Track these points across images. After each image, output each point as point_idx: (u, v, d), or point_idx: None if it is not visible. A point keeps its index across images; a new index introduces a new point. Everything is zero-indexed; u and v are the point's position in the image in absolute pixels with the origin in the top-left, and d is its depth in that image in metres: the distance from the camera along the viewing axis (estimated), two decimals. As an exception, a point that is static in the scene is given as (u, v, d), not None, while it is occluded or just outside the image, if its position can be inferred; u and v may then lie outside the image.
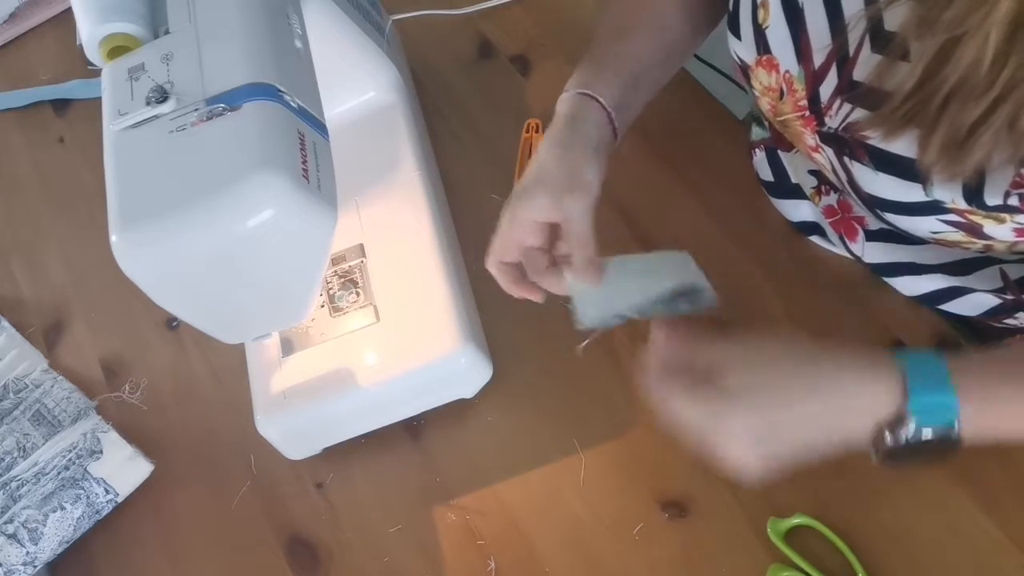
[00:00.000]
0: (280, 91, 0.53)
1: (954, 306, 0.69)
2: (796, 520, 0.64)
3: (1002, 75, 0.44)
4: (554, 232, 0.61)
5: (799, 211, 0.76)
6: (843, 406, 0.50)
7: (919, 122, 0.49)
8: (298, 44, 0.60)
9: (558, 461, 0.71)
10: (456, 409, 0.74)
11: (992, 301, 0.67)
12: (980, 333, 0.72)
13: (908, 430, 0.49)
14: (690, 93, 0.86)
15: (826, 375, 0.51)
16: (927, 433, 0.48)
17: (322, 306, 0.73)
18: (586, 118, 0.62)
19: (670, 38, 0.68)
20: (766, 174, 0.78)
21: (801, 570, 0.62)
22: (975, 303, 0.68)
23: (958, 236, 0.56)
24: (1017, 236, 0.54)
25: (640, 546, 0.66)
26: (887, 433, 0.49)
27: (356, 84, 0.83)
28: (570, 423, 0.71)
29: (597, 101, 0.63)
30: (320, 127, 0.57)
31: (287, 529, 0.73)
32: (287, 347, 0.72)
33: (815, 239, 0.75)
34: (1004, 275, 0.66)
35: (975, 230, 0.55)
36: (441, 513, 0.71)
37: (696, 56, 0.92)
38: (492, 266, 0.62)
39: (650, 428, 0.70)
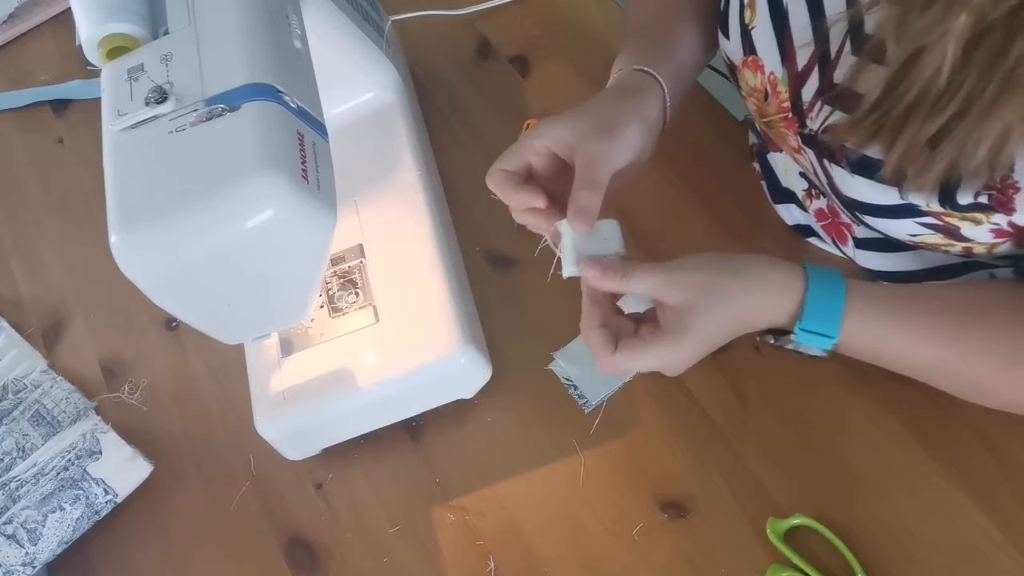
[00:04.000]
0: (279, 92, 0.53)
1: None
2: (795, 520, 0.64)
3: (961, 91, 0.44)
4: (562, 176, 0.58)
5: (792, 214, 0.76)
6: (753, 319, 0.55)
7: (884, 132, 0.50)
8: (297, 45, 0.60)
9: (558, 461, 0.71)
10: (455, 410, 0.74)
11: None
12: None
13: (789, 341, 0.55)
14: (690, 94, 0.86)
15: (746, 297, 0.55)
16: (804, 348, 0.55)
17: (321, 306, 0.73)
18: (646, 95, 0.61)
19: (706, 37, 0.68)
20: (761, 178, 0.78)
21: (800, 570, 0.62)
22: None
23: (936, 239, 0.56)
24: (995, 237, 0.53)
25: (639, 546, 0.66)
26: (771, 337, 0.56)
27: (355, 85, 0.83)
28: (570, 423, 0.71)
29: (658, 82, 0.61)
30: (319, 128, 0.57)
31: (286, 529, 0.73)
32: (287, 347, 0.72)
33: (813, 241, 0.75)
34: (993, 279, 0.66)
35: (952, 232, 0.55)
36: (440, 513, 0.71)
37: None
38: (491, 174, 0.58)
39: (650, 428, 0.70)
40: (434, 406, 0.74)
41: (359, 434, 0.74)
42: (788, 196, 0.75)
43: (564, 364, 0.72)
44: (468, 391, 0.74)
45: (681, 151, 0.81)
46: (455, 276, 0.74)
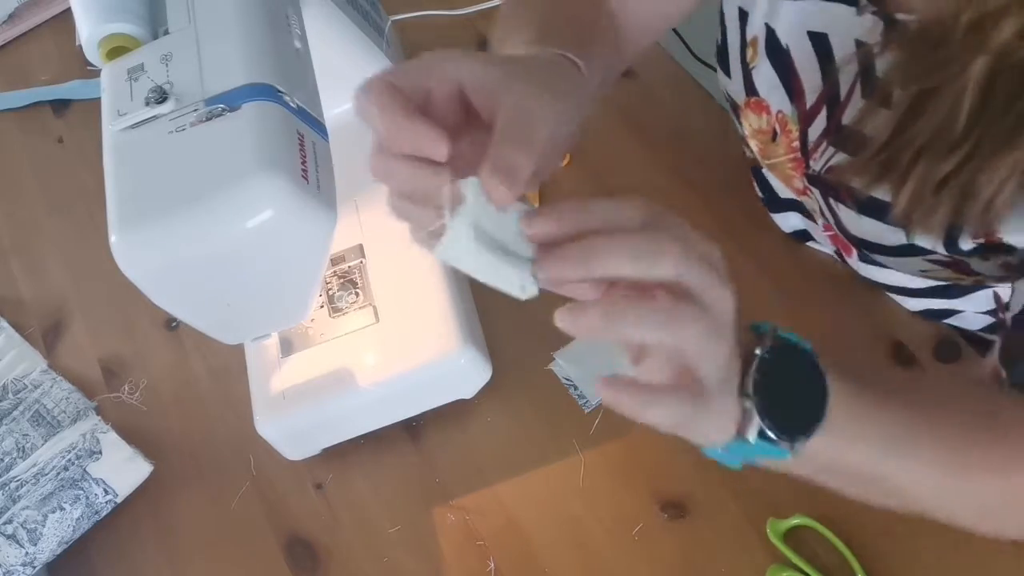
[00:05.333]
0: (279, 92, 0.53)
1: (953, 321, 0.69)
2: (795, 520, 0.64)
3: (974, 131, 0.44)
4: (457, 135, 0.41)
5: (789, 222, 0.76)
6: None
7: (892, 174, 0.49)
8: (297, 44, 0.60)
9: (558, 461, 0.71)
10: (455, 409, 0.74)
11: (987, 319, 0.67)
12: (982, 340, 0.72)
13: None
14: (690, 95, 0.86)
15: None
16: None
17: (321, 306, 0.73)
18: (579, 81, 0.49)
19: (616, 49, 0.60)
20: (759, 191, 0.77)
21: (800, 570, 0.62)
22: (972, 320, 0.68)
23: (946, 273, 0.56)
24: (1006, 271, 0.53)
25: (639, 546, 0.66)
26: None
27: (355, 85, 0.82)
28: (570, 423, 0.71)
29: (585, 77, 0.49)
30: (319, 128, 0.57)
31: (287, 529, 0.73)
32: (287, 347, 0.72)
33: (812, 245, 0.75)
34: (997, 298, 0.66)
35: (963, 267, 0.54)
36: (441, 513, 0.71)
37: (697, 58, 0.92)
38: (371, 84, 0.41)
39: (650, 428, 0.70)
40: (434, 406, 0.74)
41: (359, 434, 0.74)
42: (788, 205, 0.75)
43: (564, 364, 0.72)
44: (468, 391, 0.74)
45: (680, 151, 0.81)
46: (455, 276, 0.74)
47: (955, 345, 0.69)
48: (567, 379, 0.72)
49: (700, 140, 0.83)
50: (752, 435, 0.42)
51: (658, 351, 0.40)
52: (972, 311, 0.67)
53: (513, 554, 0.68)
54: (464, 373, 0.72)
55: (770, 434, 0.41)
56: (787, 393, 0.42)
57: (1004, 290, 0.66)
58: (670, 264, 0.38)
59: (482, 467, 0.72)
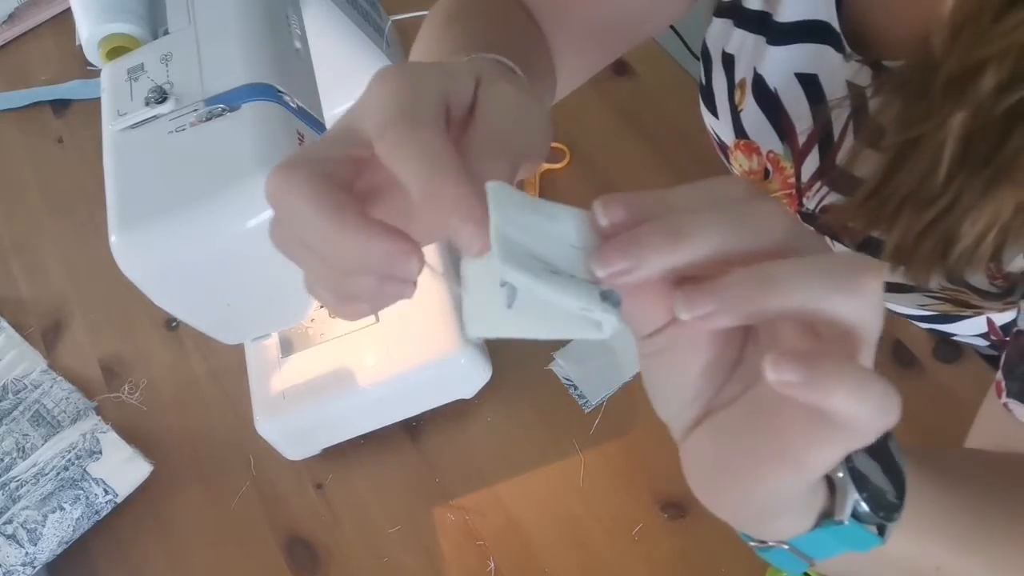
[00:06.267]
0: (279, 92, 0.53)
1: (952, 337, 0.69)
2: (795, 520, 0.63)
3: (954, 183, 0.44)
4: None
5: None
6: None
7: (880, 220, 0.49)
8: (297, 45, 0.60)
9: (557, 462, 0.71)
10: (455, 410, 0.74)
11: (981, 341, 0.67)
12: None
13: None
14: (690, 95, 0.86)
15: None
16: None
17: (321, 306, 0.73)
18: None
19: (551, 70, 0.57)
20: None
21: (800, 570, 0.61)
22: (967, 339, 0.68)
23: (946, 307, 0.56)
24: (1005, 305, 0.53)
25: (639, 546, 0.66)
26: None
27: (355, 85, 0.82)
28: (570, 423, 0.71)
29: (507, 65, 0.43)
30: (319, 128, 0.57)
31: (286, 529, 0.73)
32: (287, 347, 0.72)
33: None
34: (990, 322, 0.66)
35: (962, 301, 0.54)
36: (441, 513, 0.71)
37: (697, 58, 0.92)
38: (295, 174, 0.31)
39: (650, 428, 0.70)
40: (434, 406, 0.74)
41: (359, 434, 0.74)
42: None
43: (564, 364, 0.72)
44: (468, 391, 0.74)
45: (680, 151, 0.82)
46: (454, 275, 0.73)
47: (955, 345, 0.69)
48: (567, 379, 0.72)
49: (700, 140, 0.83)
50: (845, 513, 0.32)
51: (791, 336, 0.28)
52: (966, 334, 0.67)
53: (513, 554, 0.68)
54: (464, 373, 0.72)
55: (866, 510, 0.31)
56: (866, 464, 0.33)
57: (996, 314, 0.66)
58: (779, 226, 0.28)
59: (482, 467, 0.72)
